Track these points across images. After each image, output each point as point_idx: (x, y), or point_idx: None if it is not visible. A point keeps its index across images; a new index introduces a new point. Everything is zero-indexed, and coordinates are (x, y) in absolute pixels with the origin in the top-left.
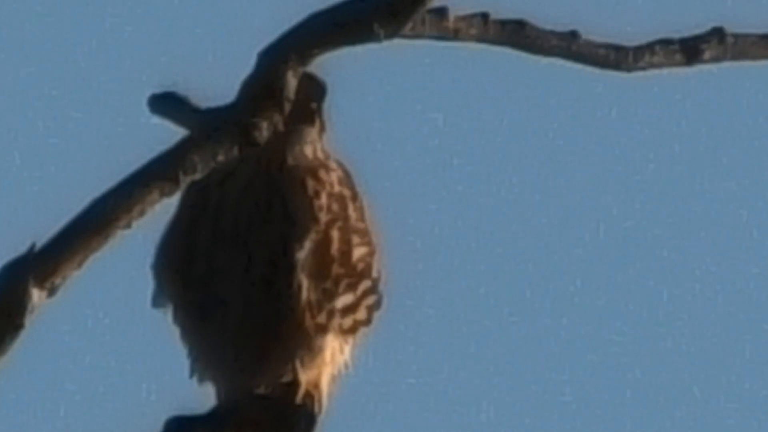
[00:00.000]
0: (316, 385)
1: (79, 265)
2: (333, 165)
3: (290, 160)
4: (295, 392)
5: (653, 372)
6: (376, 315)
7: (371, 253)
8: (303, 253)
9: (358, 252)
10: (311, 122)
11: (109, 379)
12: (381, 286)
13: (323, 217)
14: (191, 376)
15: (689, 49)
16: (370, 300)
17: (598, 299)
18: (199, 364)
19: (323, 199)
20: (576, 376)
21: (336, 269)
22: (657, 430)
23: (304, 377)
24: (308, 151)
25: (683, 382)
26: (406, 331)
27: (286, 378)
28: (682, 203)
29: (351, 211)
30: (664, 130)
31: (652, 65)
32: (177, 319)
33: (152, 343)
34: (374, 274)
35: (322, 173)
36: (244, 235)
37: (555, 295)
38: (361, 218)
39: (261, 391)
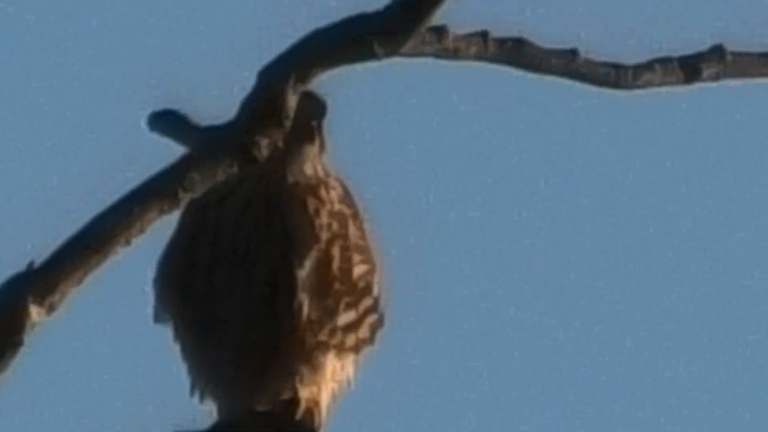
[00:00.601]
0: (316, 402)
1: (79, 282)
2: (333, 183)
3: (290, 179)
4: (295, 409)
5: (653, 372)
6: (379, 334)
7: (372, 271)
8: (304, 272)
9: (358, 270)
10: (311, 140)
11: (110, 396)
12: (382, 304)
13: (324, 236)
14: (192, 393)
15: (688, 68)
16: (372, 318)
17: (598, 318)
18: (199, 381)
19: (323, 218)
20: (579, 386)
21: (337, 287)
22: (657, 429)
23: (304, 394)
24: (308, 169)
25: (683, 382)
26: (407, 348)
27: (286, 395)
28: (683, 221)
29: (351, 229)
30: (664, 148)
31: (652, 83)
32: (178, 336)
33: (153, 361)
34: (375, 291)
35: (322, 192)
36: (244, 254)
37: (560, 309)
38: (362, 236)
39: (261, 408)
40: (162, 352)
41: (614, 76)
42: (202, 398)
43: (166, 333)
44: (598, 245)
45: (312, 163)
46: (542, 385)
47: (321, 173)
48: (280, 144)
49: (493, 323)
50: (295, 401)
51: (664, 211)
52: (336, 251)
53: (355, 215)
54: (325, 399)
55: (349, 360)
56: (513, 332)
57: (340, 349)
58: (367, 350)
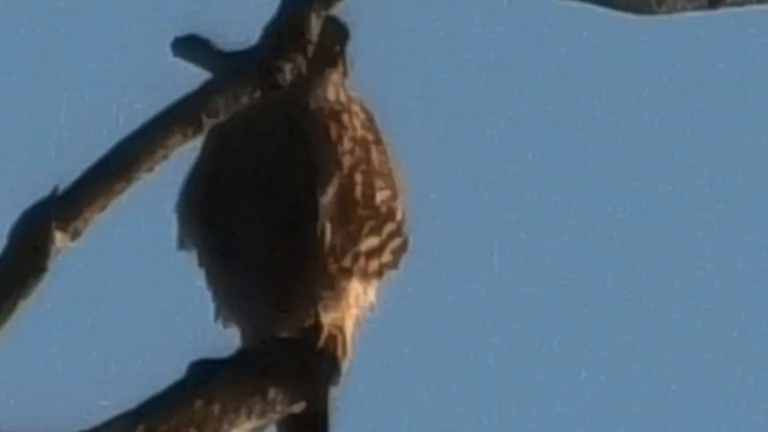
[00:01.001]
0: (340, 328)
1: (103, 208)
2: (356, 108)
3: (313, 105)
4: (317, 336)
5: (653, 372)
6: (403, 258)
7: (395, 196)
8: (326, 198)
9: (381, 195)
10: (334, 65)
11: (134, 323)
12: (406, 229)
13: (346, 162)
14: (216, 319)
15: None
16: (396, 243)
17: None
18: (223, 307)
19: (346, 144)
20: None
21: (360, 213)
22: (656, 430)
23: (327, 320)
24: (331, 94)
25: (683, 382)
26: (431, 275)
27: (309, 322)
28: (707, 154)
29: (374, 155)
30: (688, 76)
31: (676, 8)
32: (202, 263)
33: (177, 286)
34: (398, 216)
35: (344, 117)
36: (267, 181)
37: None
38: (385, 162)
39: (284, 334)
40: (187, 279)
41: (638, 1)
42: (225, 324)
43: (190, 259)
44: (618, 181)
45: (335, 89)
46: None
47: (344, 99)
48: (303, 69)
49: (516, 252)
50: (317, 327)
51: (688, 146)
52: (359, 177)
53: (378, 141)
54: (349, 325)
55: (373, 285)
56: (537, 263)
57: (364, 275)
58: (391, 275)
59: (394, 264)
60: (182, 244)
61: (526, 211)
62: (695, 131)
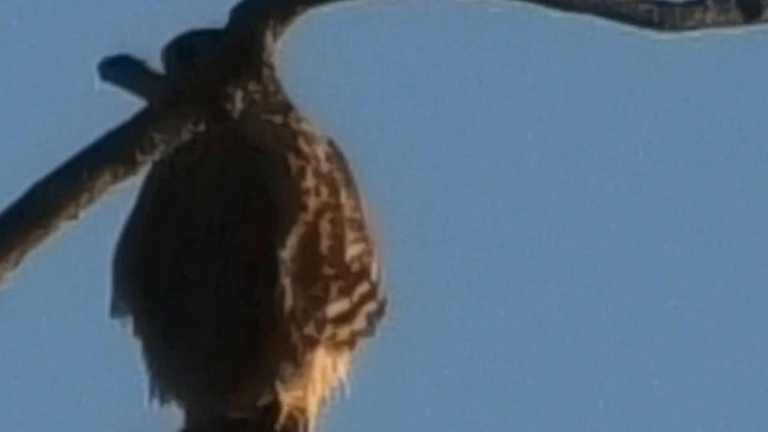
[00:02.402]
0: (302, 409)
1: (16, 264)
2: (319, 138)
3: (269, 136)
4: (275, 417)
5: (653, 372)
6: (379, 324)
7: (369, 251)
8: (286, 252)
9: (352, 249)
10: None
11: (56, 400)
12: (382, 290)
13: (311, 203)
14: (151, 396)
15: (748, 5)
16: (370, 306)
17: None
18: (162, 383)
19: (309, 180)
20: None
21: (326, 270)
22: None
23: (287, 399)
24: (291, 122)
25: (683, 382)
26: (411, 341)
27: (266, 400)
28: (737, 182)
29: (344, 199)
30: (717, 100)
31: (704, 24)
32: (138, 332)
33: (107, 360)
34: (373, 276)
35: (303, 146)
36: (219, 235)
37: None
38: (357, 207)
39: (235, 415)
40: (118, 351)
41: (659, 14)
42: (162, 402)
43: (124, 328)
44: (636, 204)
45: (294, 116)
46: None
47: (306, 127)
48: (257, 97)
49: (503, 310)
50: (275, 407)
51: (717, 170)
52: (325, 226)
53: (349, 182)
54: (312, 404)
55: (343, 357)
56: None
57: (331, 345)
58: (364, 344)
59: (368, 331)
60: (115, 311)
61: (522, 270)
62: (727, 162)
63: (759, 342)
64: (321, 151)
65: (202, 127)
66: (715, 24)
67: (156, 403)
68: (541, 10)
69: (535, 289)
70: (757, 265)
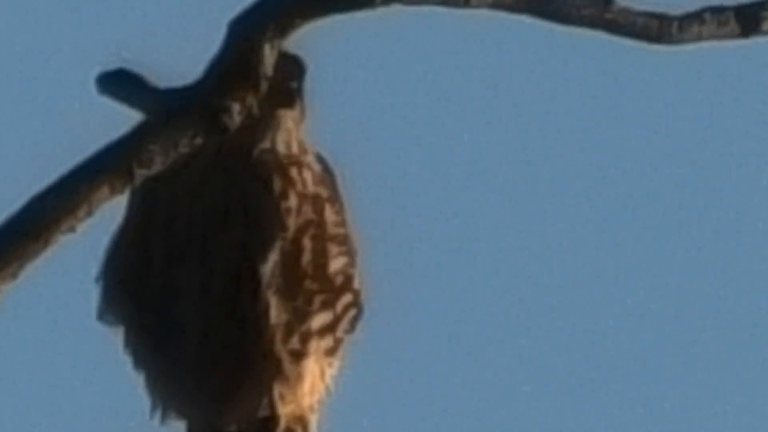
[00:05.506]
0: (300, 418)
1: (14, 276)
2: (309, 160)
3: (255, 153)
4: (273, 429)
5: (652, 372)
6: (359, 323)
7: (351, 264)
8: (268, 267)
9: (336, 263)
10: (290, 106)
11: (51, 412)
12: (363, 297)
13: (292, 222)
14: (152, 411)
15: (746, 18)
16: (352, 313)
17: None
18: (159, 398)
19: (292, 200)
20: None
21: (309, 285)
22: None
23: (284, 410)
24: (281, 141)
25: (683, 382)
26: (391, 342)
27: (264, 413)
28: (734, 194)
29: (328, 215)
30: (715, 112)
31: (701, 37)
32: (129, 344)
33: (103, 370)
34: (355, 284)
35: (292, 170)
36: (200, 246)
37: (573, 290)
38: (341, 223)
39: (232, 428)
40: (112, 362)
41: (657, 28)
42: (164, 417)
43: (115, 338)
44: (630, 218)
45: (287, 136)
46: (542, 365)
47: (296, 149)
48: (255, 110)
49: (484, 317)
50: (274, 419)
51: (714, 182)
52: (307, 242)
53: (333, 199)
54: (308, 414)
55: (330, 362)
56: (512, 318)
57: (319, 355)
58: (347, 340)
59: (350, 331)
60: (103, 319)
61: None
62: (724, 178)
63: (759, 342)
64: (309, 173)
65: (199, 140)
66: (713, 37)
67: (158, 418)
68: (541, 23)
69: (525, 293)
70: (751, 278)
